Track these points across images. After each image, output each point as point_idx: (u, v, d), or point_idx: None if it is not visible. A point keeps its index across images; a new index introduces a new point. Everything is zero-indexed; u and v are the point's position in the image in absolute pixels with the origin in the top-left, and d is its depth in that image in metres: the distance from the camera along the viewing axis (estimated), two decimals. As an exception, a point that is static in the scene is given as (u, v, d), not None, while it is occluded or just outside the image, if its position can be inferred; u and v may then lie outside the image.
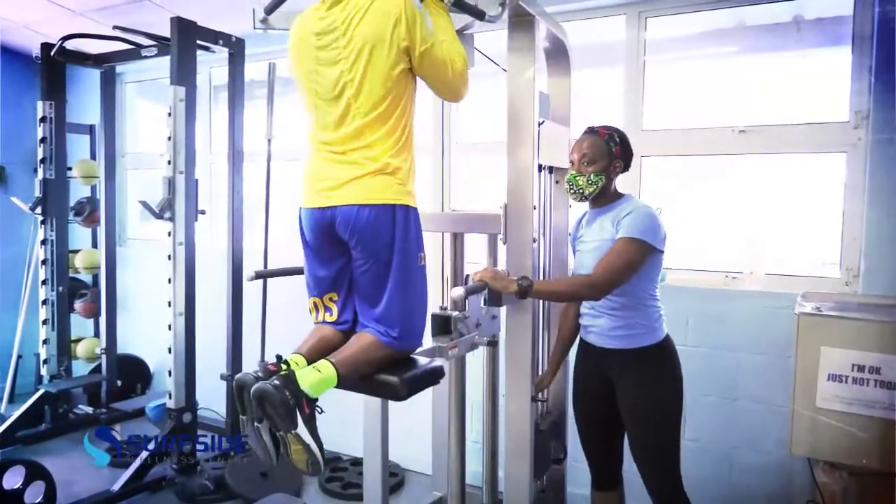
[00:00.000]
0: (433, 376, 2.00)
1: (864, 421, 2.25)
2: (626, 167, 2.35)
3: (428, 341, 2.12)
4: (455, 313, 2.20)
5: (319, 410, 1.78)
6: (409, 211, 1.94)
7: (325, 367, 1.79)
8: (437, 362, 2.03)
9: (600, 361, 2.34)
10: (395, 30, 1.84)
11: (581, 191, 2.28)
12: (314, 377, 1.76)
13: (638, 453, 2.29)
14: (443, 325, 2.21)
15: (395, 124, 1.91)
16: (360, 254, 1.91)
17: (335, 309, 2.03)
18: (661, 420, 2.25)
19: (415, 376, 1.92)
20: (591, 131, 2.32)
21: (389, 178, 1.89)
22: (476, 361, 2.57)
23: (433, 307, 2.26)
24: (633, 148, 2.37)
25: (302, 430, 1.71)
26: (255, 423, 1.73)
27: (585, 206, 2.41)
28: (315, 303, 2.07)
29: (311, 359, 1.88)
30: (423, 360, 2.02)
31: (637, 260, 2.14)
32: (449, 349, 2.14)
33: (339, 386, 1.82)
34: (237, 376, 1.81)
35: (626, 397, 2.28)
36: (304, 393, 1.72)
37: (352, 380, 1.88)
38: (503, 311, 2.34)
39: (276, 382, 1.69)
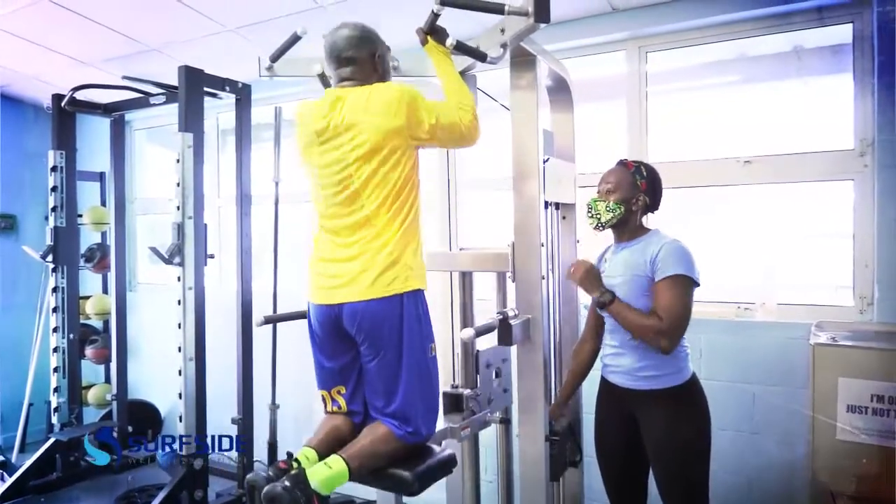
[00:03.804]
0: (445, 467, 1.99)
1: (887, 453, 2.20)
2: (652, 204, 2.31)
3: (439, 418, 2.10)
4: (466, 391, 2.18)
5: None
6: (418, 297, 1.94)
7: (336, 463, 1.79)
8: (449, 451, 2.03)
9: (624, 402, 2.29)
10: (396, 121, 1.86)
11: (598, 216, 2.27)
12: (325, 474, 1.76)
13: (667, 492, 2.23)
14: (454, 404, 2.19)
15: (401, 208, 1.93)
16: (369, 349, 1.91)
17: (343, 402, 2.03)
18: (689, 459, 2.20)
19: (427, 470, 1.92)
20: (620, 163, 2.33)
21: (396, 269, 1.89)
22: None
23: (446, 365, 2.24)
24: (662, 187, 2.34)
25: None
26: None
27: (606, 239, 2.40)
28: (323, 395, 2.07)
29: (323, 452, 1.88)
30: (434, 449, 2.00)
31: (691, 299, 2.13)
32: (461, 430, 2.13)
33: (350, 479, 1.82)
34: (248, 477, 1.80)
35: (653, 438, 2.23)
36: (314, 492, 1.72)
37: (363, 473, 1.88)
38: (514, 380, 2.31)
39: (287, 484, 1.70)
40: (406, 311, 1.89)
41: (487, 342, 2.32)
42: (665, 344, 2.11)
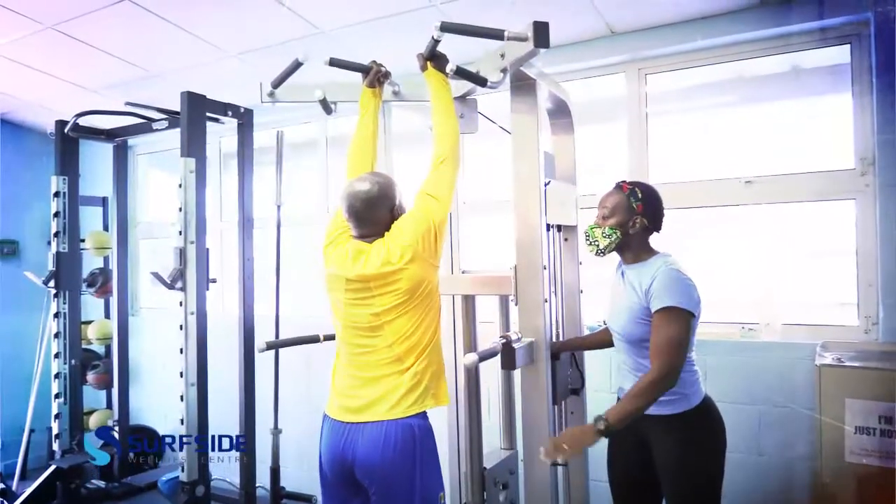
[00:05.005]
0: None
1: (896, 475, 2.17)
2: (653, 226, 2.24)
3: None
4: None
5: None
6: (427, 426, 2.02)
7: None
8: None
9: (636, 425, 2.21)
10: (421, 259, 1.99)
11: (596, 243, 2.24)
12: None
13: None
14: None
15: (424, 335, 2.03)
16: (380, 500, 1.96)
17: None
18: (702, 485, 2.16)
19: None
20: (616, 186, 2.28)
21: (417, 392, 1.99)
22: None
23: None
24: (662, 207, 2.27)
25: None
26: None
27: (607, 259, 2.37)
28: None
29: None
30: None
31: (685, 331, 2.04)
32: None
33: None
34: None
35: (665, 464, 2.18)
36: None
37: None
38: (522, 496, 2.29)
39: None
40: (418, 449, 1.95)
41: (495, 458, 2.35)
42: (664, 386, 2.03)
